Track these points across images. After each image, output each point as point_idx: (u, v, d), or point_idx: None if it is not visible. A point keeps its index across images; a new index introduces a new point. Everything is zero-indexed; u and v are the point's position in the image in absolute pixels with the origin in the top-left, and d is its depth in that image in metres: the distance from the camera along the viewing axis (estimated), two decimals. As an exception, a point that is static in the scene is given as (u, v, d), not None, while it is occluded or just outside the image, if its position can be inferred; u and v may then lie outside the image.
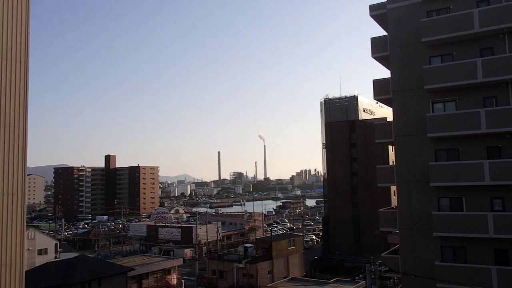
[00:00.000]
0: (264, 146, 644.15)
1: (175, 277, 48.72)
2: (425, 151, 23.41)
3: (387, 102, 27.48)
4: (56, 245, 59.45)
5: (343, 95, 75.27)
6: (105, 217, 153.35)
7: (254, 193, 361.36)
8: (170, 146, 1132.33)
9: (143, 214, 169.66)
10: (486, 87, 22.20)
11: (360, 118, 70.85)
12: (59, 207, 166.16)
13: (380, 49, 26.06)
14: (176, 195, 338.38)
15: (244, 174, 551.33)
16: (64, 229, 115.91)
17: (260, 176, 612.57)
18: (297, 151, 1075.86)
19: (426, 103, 23.67)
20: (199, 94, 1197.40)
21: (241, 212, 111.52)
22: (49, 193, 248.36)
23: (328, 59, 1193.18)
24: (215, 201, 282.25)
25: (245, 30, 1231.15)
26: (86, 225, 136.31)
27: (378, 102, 48.49)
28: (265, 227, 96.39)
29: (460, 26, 22.58)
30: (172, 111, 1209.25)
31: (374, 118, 67.94)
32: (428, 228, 22.68)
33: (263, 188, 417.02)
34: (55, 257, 55.36)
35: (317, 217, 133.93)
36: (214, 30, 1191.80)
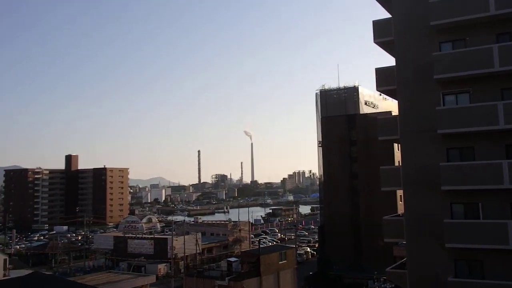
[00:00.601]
0: (251, 144, 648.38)
1: (147, 297, 48.31)
2: (435, 150, 23.55)
3: (391, 93, 27.64)
4: (5, 260, 58.46)
5: (341, 85, 75.72)
6: (65, 228, 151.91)
7: (239, 198, 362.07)
8: (142, 145, 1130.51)
9: (110, 224, 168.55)
10: (504, 77, 22.33)
11: (361, 112, 71.20)
12: (10, 215, 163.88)
13: (383, 34, 26.12)
14: (149, 201, 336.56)
15: (228, 176, 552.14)
16: (16, 241, 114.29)
17: (247, 179, 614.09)
18: (289, 150, 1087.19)
19: (436, 95, 23.82)
20: (177, 89, 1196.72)
21: (224, 221, 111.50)
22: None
23: (325, 45, 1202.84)
24: (194, 208, 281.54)
25: (231, 18, 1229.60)
26: (42, 237, 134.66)
27: (382, 94, 48.76)
28: (252, 238, 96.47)
29: (474, 7, 22.70)
30: (146, 108, 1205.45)
31: (377, 112, 68.16)
32: (440, 238, 22.76)
33: (250, 192, 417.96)
34: (4, 275, 54.46)
35: (312, 226, 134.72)
36: (198, 19, 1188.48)
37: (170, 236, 79.95)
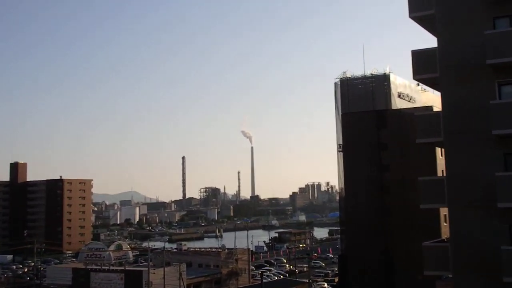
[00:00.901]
0: (251, 148, 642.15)
1: None
2: (490, 156, 23.64)
3: (433, 83, 27.70)
4: None
5: (367, 72, 74.59)
6: (9, 257, 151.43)
7: (236, 219, 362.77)
8: (108, 150, 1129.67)
9: (68, 252, 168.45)
10: None
11: (393, 107, 70.77)
12: None
13: (422, 6, 26.28)
14: (118, 222, 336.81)
15: (222, 190, 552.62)
16: None
17: (246, 194, 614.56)
18: (300, 156, 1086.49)
19: (491, 85, 23.89)
20: (152, 76, 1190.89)
21: (216, 248, 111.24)
22: None
23: (345, 22, 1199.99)
24: (177, 231, 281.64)
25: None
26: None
27: (420, 84, 48.83)
28: (252, 270, 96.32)
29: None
30: (113, 103, 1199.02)
31: (414, 107, 68.00)
32: (497, 271, 22.67)
33: (249, 211, 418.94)
34: None
35: (331, 255, 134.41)
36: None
37: (146, 268, 79.78)
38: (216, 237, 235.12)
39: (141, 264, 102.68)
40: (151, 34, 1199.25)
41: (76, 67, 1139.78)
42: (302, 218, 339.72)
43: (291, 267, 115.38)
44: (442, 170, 25.36)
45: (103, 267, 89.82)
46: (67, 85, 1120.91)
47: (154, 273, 78.77)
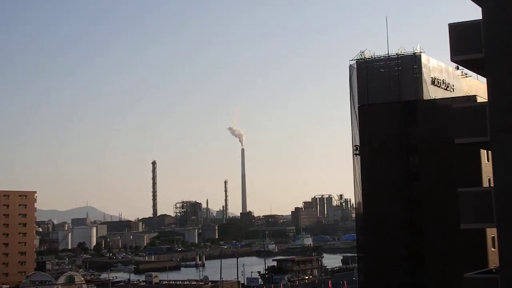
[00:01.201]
0: (242, 150, 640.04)
1: None
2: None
3: (476, 66, 27.82)
4: None
5: (392, 52, 73.14)
6: None
7: (222, 242, 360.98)
8: (56, 156, 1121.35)
9: (4, 286, 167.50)
10: None
11: (425, 97, 69.38)
12: None
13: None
14: (70, 247, 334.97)
15: (204, 206, 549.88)
16: None
17: (235, 210, 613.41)
18: (305, 161, 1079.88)
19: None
20: (105, 61, 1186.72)
21: (197, 281, 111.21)
22: None
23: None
24: (146, 258, 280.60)
25: None
26: None
27: (460, 67, 48.45)
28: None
29: None
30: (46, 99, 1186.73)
31: (453, 97, 68.09)
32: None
33: (240, 232, 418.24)
34: None
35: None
36: None
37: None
38: (196, 266, 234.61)
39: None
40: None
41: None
42: (308, 241, 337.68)
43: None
44: (489, 179, 25.35)
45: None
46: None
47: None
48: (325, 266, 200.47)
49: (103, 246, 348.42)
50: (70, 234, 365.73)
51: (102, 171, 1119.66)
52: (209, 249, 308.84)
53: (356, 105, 72.68)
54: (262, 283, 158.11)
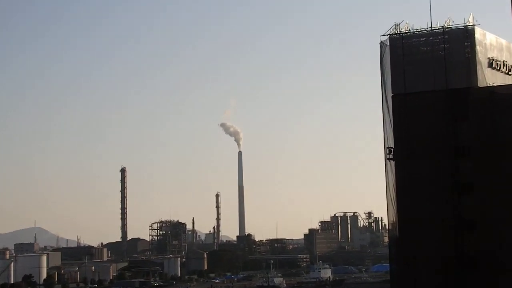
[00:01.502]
0: (239, 154, 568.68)
1: None
2: None
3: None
4: None
5: (435, 24, 69.13)
6: None
7: (213, 275, 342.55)
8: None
9: None
10: None
11: (481, 84, 66.50)
12: None
13: None
14: (13, 280, 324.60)
15: (188, 227, 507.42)
16: None
17: (229, 232, 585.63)
18: (322, 169, 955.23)
19: None
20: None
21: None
22: None
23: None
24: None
25: None
26: None
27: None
28: None
29: None
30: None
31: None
32: None
33: (236, 262, 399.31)
34: None
35: None
36: None
37: None
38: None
39: None
40: None
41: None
42: (326, 273, 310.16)
43: None
44: None
45: None
46: None
47: None
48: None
49: (56, 279, 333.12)
50: (12, 264, 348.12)
51: (53, 183, 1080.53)
52: (196, 284, 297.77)
53: (390, 95, 70.11)
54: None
